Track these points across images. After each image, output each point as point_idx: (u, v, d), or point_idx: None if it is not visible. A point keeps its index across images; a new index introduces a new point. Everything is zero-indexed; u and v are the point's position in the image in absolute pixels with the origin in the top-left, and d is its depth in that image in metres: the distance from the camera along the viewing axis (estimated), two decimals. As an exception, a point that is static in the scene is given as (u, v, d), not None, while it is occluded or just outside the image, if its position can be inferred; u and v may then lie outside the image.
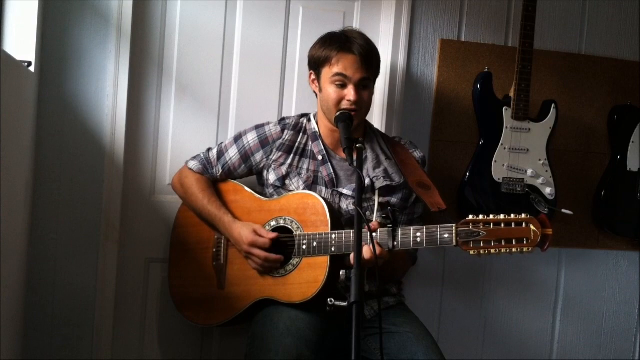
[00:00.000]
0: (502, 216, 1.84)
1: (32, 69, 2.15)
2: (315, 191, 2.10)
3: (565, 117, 2.64)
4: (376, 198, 2.09)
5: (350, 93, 2.06)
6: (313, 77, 2.18)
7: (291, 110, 2.52)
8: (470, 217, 1.85)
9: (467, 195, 2.53)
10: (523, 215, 1.84)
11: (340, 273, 1.92)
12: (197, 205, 2.19)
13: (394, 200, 2.13)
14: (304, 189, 2.13)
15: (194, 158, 2.26)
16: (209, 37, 2.46)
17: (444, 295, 2.68)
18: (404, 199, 2.16)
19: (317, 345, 1.90)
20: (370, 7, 2.58)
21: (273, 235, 2.04)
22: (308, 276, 1.99)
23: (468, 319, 2.71)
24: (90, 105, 2.32)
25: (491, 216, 1.85)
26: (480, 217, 1.85)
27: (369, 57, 2.08)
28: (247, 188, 2.20)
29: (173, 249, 2.28)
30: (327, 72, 2.10)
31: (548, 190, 2.54)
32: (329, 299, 1.83)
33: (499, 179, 2.52)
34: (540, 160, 2.54)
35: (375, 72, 2.15)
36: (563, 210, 2.45)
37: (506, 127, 2.51)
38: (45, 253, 2.31)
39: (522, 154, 2.53)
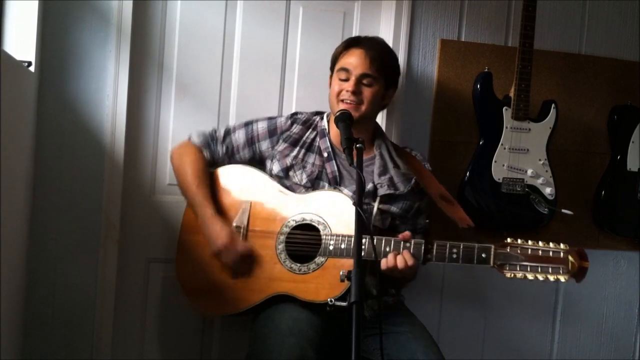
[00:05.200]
0: (540, 243, 1.86)
1: (32, 69, 2.15)
2: (317, 187, 2.11)
3: (565, 117, 2.64)
4: (375, 204, 2.09)
5: (349, 85, 2.10)
6: (330, 79, 2.22)
7: (291, 110, 2.52)
8: (509, 240, 1.88)
9: (467, 195, 2.53)
10: (562, 246, 1.86)
11: (340, 273, 1.92)
12: (185, 183, 2.15)
13: (394, 209, 2.14)
14: (307, 182, 2.13)
15: (199, 134, 2.24)
16: (209, 37, 2.46)
17: (444, 296, 2.68)
18: (405, 210, 2.16)
19: (319, 345, 1.90)
20: (370, 7, 2.58)
21: (245, 250, 2.03)
22: (333, 277, 1.96)
23: (468, 320, 2.71)
24: (90, 105, 2.32)
25: (530, 242, 1.87)
26: (519, 241, 1.87)
27: (376, 55, 2.12)
28: (272, 180, 2.16)
29: (183, 230, 2.21)
30: (336, 69, 2.17)
31: (548, 190, 2.54)
32: (329, 299, 1.84)
33: (499, 179, 2.52)
34: (540, 160, 2.54)
35: (386, 75, 2.15)
36: (563, 210, 2.45)
37: (506, 127, 2.51)
38: (45, 253, 2.31)
39: (522, 154, 2.53)
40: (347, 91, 2.10)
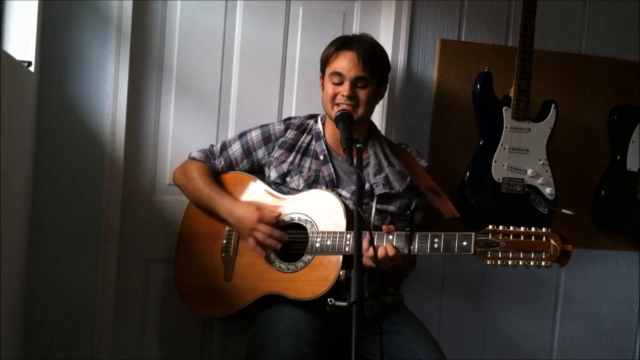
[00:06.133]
0: (522, 228, 1.85)
1: (32, 69, 2.15)
2: (313, 189, 2.11)
3: (565, 117, 2.64)
4: (374, 204, 2.10)
5: (344, 89, 2.09)
6: (320, 79, 2.21)
7: (291, 110, 2.52)
8: (490, 226, 1.86)
9: (467, 195, 2.53)
10: (544, 229, 1.84)
11: (340, 273, 1.93)
12: (197, 190, 2.17)
13: (391, 208, 2.14)
14: (304, 187, 2.13)
15: (197, 151, 2.27)
16: (209, 37, 2.46)
17: (444, 296, 2.68)
18: (402, 208, 2.16)
19: (317, 344, 1.91)
20: (370, 7, 2.58)
21: (276, 218, 2.05)
22: (319, 274, 1.98)
23: (468, 320, 2.71)
24: (90, 105, 2.32)
25: (511, 227, 1.85)
26: (500, 227, 1.86)
27: (368, 57, 2.10)
28: (262, 183, 2.19)
29: (181, 238, 2.26)
30: (328, 71, 2.16)
31: (548, 190, 2.54)
32: (328, 299, 1.84)
33: (499, 179, 2.52)
34: (540, 160, 2.54)
35: (378, 75, 2.14)
36: (563, 210, 2.45)
37: (506, 127, 2.51)
38: (45, 253, 2.31)
39: (522, 154, 2.53)
40: (343, 95, 2.09)
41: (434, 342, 2.02)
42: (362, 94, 2.10)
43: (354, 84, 2.10)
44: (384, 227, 1.96)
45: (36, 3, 2.14)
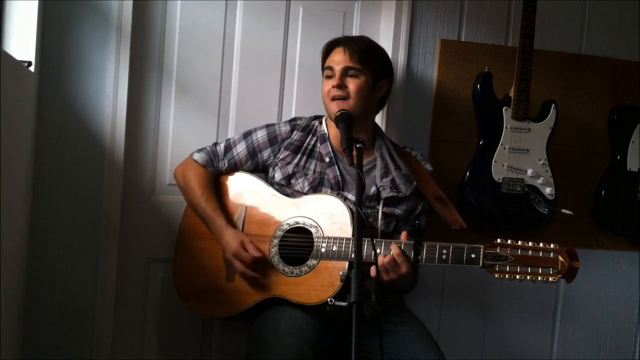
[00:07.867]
0: (530, 243, 1.86)
1: (32, 69, 2.15)
2: (320, 193, 2.11)
3: (565, 117, 2.64)
4: (380, 207, 2.09)
5: (334, 80, 2.12)
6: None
7: (291, 110, 2.52)
8: (499, 240, 1.88)
9: (467, 195, 2.53)
10: (552, 245, 1.86)
11: (341, 273, 1.92)
12: (194, 201, 2.18)
13: (397, 211, 2.13)
14: (309, 189, 2.13)
15: (199, 150, 2.26)
16: (209, 37, 2.46)
17: (445, 296, 2.68)
18: (408, 211, 2.16)
19: (317, 344, 1.91)
20: (370, 7, 2.58)
21: (257, 254, 2.04)
22: (324, 279, 1.97)
23: (468, 320, 2.71)
24: (90, 105, 2.32)
25: (519, 242, 1.87)
26: (509, 241, 1.87)
27: (356, 48, 2.13)
28: (266, 184, 2.19)
29: (181, 236, 2.25)
30: (323, 69, 2.20)
31: (548, 190, 2.54)
32: (329, 299, 1.84)
33: (499, 179, 2.52)
34: (540, 160, 2.54)
35: (370, 65, 2.14)
36: (563, 210, 2.45)
37: (506, 127, 2.51)
38: (45, 253, 2.31)
39: (522, 154, 2.53)
40: (333, 87, 2.12)
41: (434, 342, 2.02)
42: (352, 83, 2.11)
43: (343, 74, 2.12)
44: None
45: (36, 3, 2.14)
